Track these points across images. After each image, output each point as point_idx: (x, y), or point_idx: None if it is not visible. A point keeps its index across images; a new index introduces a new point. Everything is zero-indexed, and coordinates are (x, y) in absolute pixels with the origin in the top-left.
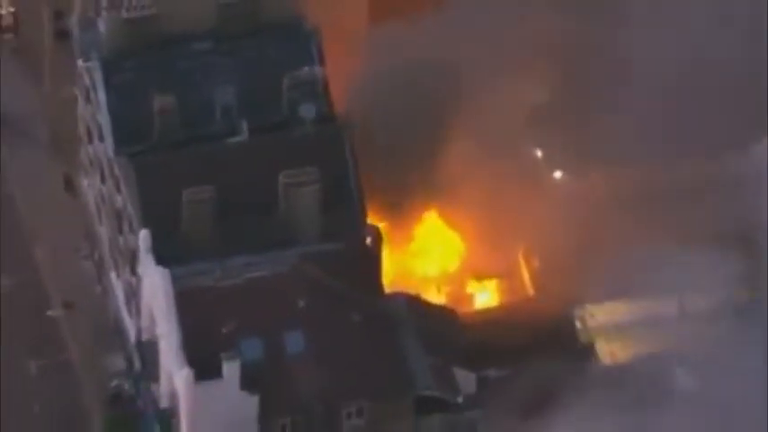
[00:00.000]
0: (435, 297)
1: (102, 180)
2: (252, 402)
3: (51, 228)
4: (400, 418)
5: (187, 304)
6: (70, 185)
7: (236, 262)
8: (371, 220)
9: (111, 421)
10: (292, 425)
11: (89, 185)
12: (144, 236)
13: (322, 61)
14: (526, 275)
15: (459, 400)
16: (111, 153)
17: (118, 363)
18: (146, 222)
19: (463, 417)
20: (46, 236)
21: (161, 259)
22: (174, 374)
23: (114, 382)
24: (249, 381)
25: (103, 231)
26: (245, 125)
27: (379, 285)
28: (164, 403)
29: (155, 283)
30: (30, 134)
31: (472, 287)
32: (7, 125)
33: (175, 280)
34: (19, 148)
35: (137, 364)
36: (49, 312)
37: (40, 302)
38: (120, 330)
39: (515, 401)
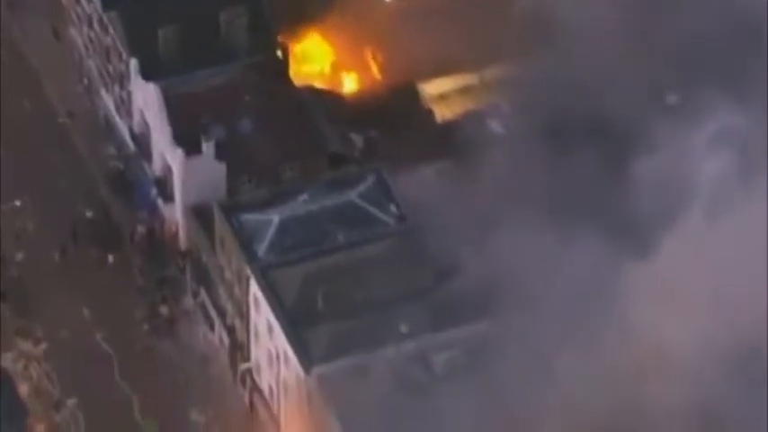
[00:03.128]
0: (321, 86)
1: (90, 27)
2: (222, 168)
3: (51, 65)
4: (320, 170)
5: (172, 106)
6: (57, 35)
7: (199, 75)
8: (280, 39)
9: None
10: (248, 181)
11: (76, 33)
12: (134, 63)
13: None
14: (374, 68)
15: (357, 155)
16: (100, 9)
17: (112, 150)
18: (133, 53)
19: (367, 167)
20: (49, 71)
21: (146, 77)
22: (168, 154)
23: (112, 164)
24: (219, 154)
25: (92, 63)
26: None
27: (291, 81)
28: (157, 174)
29: (147, 94)
30: (27, 3)
31: (341, 78)
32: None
33: (161, 90)
34: (22, 16)
35: (127, 150)
36: (60, 120)
37: (50, 114)
38: (111, 129)
39: (390, 156)
